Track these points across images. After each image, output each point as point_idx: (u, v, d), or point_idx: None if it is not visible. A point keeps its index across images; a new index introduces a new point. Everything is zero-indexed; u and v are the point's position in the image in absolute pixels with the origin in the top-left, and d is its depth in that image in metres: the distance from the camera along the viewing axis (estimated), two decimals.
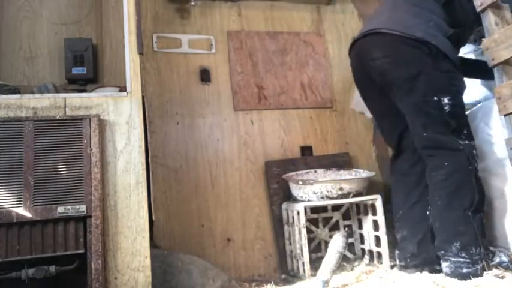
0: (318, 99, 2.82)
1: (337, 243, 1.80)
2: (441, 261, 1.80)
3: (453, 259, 1.73)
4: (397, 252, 2.06)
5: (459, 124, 1.76)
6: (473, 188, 1.74)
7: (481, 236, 1.74)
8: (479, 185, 1.78)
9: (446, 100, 1.73)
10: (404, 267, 1.98)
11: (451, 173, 1.75)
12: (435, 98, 1.74)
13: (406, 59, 1.80)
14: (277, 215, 2.47)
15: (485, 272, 1.74)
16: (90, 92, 2.21)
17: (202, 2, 2.75)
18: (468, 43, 2.44)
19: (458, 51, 1.91)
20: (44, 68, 2.39)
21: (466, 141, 1.76)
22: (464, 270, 1.70)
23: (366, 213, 2.38)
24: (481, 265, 1.71)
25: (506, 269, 1.77)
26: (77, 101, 1.68)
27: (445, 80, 1.76)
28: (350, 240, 2.47)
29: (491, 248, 1.86)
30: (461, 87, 1.82)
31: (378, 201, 2.24)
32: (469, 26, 1.90)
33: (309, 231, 2.34)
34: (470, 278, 1.67)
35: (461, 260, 1.71)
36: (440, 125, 1.76)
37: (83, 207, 1.55)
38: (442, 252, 1.78)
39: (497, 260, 1.80)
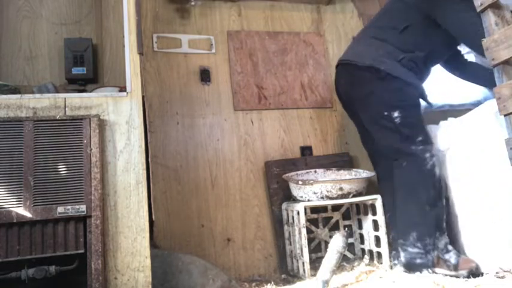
0: (318, 99, 2.82)
1: (337, 243, 1.80)
2: (400, 250, 2.03)
3: (409, 249, 1.97)
4: (393, 252, 2.18)
5: (413, 132, 2.02)
6: (428, 185, 1.98)
7: (435, 229, 1.95)
8: (437, 182, 1.99)
9: (396, 114, 2.02)
10: (396, 266, 2.12)
11: (408, 174, 2.04)
12: (386, 113, 2.04)
13: (359, 82, 2.15)
14: (277, 215, 2.47)
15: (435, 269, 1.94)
16: (90, 92, 2.22)
17: (202, 2, 2.75)
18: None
19: (422, 69, 2.14)
20: (44, 68, 2.39)
21: (420, 147, 2.00)
22: (418, 261, 1.95)
23: (366, 213, 2.38)
24: (433, 255, 1.94)
25: (449, 267, 1.92)
26: (77, 101, 1.68)
27: (393, 97, 2.05)
28: (350, 240, 2.47)
29: (450, 247, 1.97)
30: (413, 101, 2.08)
31: (378, 201, 2.24)
32: (433, 48, 2.12)
33: (309, 231, 2.34)
34: (421, 270, 1.93)
35: (416, 250, 1.95)
36: (394, 134, 2.04)
37: (83, 207, 1.55)
38: (401, 241, 2.02)
39: (446, 257, 1.94)
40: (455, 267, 1.91)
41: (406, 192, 2.05)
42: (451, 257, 1.94)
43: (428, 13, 2.05)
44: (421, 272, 1.94)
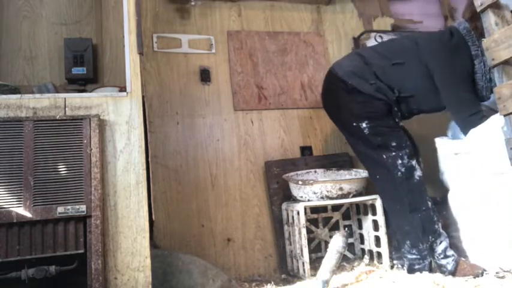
0: (318, 99, 2.80)
1: (337, 243, 1.80)
2: (403, 255, 2.08)
3: (408, 256, 2.03)
4: (393, 253, 2.23)
5: (384, 140, 2.05)
6: (404, 192, 2.00)
7: (426, 233, 1.97)
8: (415, 185, 2.01)
9: (364, 124, 2.07)
10: (392, 259, 2.22)
11: (383, 183, 2.11)
12: (354, 124, 2.10)
13: (333, 92, 2.26)
14: (277, 215, 2.47)
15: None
16: (90, 92, 2.22)
17: (202, 2, 2.76)
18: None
19: (392, 106, 2.12)
20: (44, 68, 2.39)
21: (393, 153, 2.02)
22: (416, 267, 2.00)
23: (366, 213, 2.38)
24: (429, 260, 1.99)
25: (444, 273, 1.92)
26: (77, 101, 1.68)
27: (360, 109, 2.10)
28: (350, 240, 2.47)
29: (449, 252, 1.96)
30: (381, 111, 2.10)
31: (377, 201, 2.24)
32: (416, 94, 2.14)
33: (309, 231, 2.34)
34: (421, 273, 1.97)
35: (414, 256, 2.01)
36: (366, 143, 2.10)
37: (83, 207, 1.55)
38: (403, 250, 2.07)
39: (443, 262, 1.94)
40: (452, 274, 1.90)
41: (388, 204, 2.12)
42: (448, 263, 1.93)
43: (427, 60, 2.07)
44: (421, 273, 1.94)
